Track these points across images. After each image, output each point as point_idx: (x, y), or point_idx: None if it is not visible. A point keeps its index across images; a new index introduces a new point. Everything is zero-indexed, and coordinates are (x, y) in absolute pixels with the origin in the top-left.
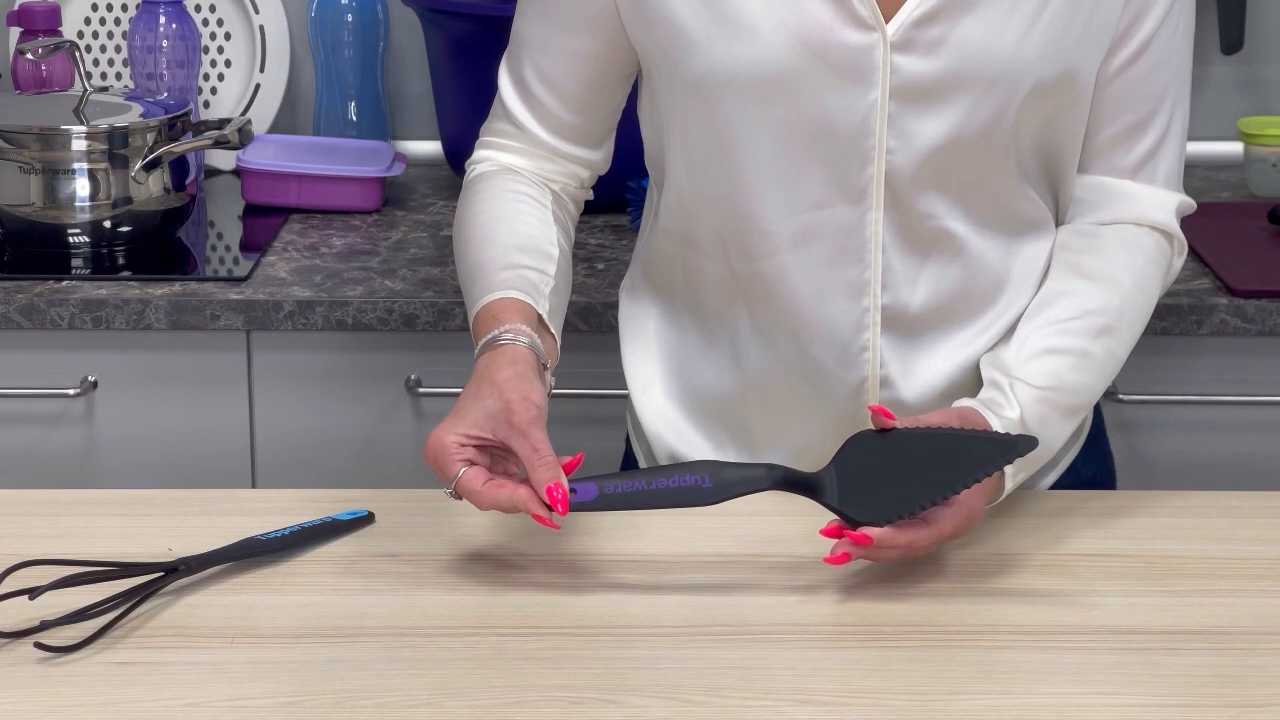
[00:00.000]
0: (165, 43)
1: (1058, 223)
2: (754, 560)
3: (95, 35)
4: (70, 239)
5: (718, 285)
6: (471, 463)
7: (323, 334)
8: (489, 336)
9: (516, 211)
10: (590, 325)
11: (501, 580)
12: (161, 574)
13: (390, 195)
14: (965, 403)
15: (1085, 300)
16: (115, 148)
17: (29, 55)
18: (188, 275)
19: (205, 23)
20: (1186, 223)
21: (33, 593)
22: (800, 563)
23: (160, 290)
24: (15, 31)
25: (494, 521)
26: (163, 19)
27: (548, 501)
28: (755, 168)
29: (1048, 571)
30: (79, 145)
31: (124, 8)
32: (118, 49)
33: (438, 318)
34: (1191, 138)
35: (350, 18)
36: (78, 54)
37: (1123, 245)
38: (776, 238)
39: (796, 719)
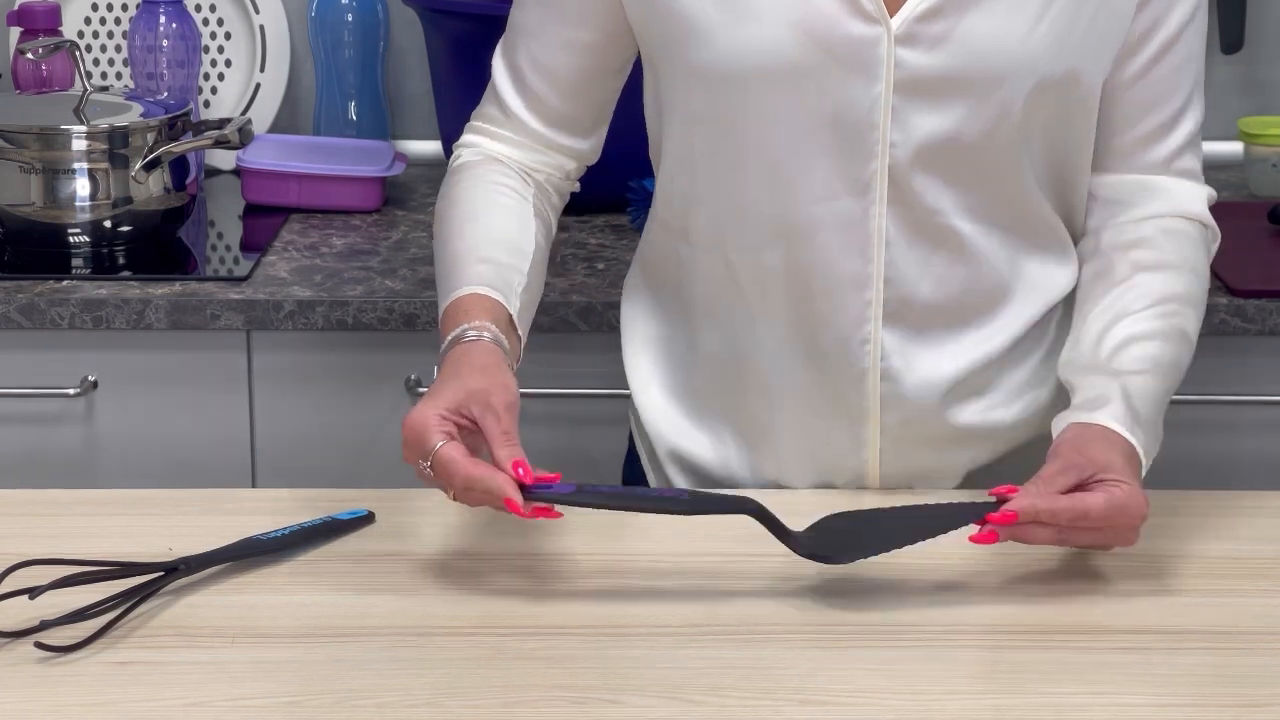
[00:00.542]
0: (165, 42)
1: (1075, 242)
2: (754, 560)
3: (95, 35)
4: (70, 239)
5: (712, 278)
6: (451, 437)
7: (323, 334)
8: (457, 331)
9: (496, 204)
10: (590, 325)
11: (501, 580)
12: (162, 574)
13: (390, 195)
14: (1065, 418)
15: (1153, 289)
16: (115, 148)
17: (29, 55)
18: (188, 275)
19: (205, 23)
20: None
21: (33, 593)
22: (800, 562)
23: (160, 290)
24: (15, 31)
25: (494, 522)
26: (163, 19)
27: (513, 476)
28: (759, 159)
29: (1047, 571)
30: (79, 145)
31: (124, 8)
32: (118, 49)
33: (438, 318)
34: None
35: (350, 17)
36: (78, 54)
37: (1169, 235)
38: (780, 229)
39: (796, 719)
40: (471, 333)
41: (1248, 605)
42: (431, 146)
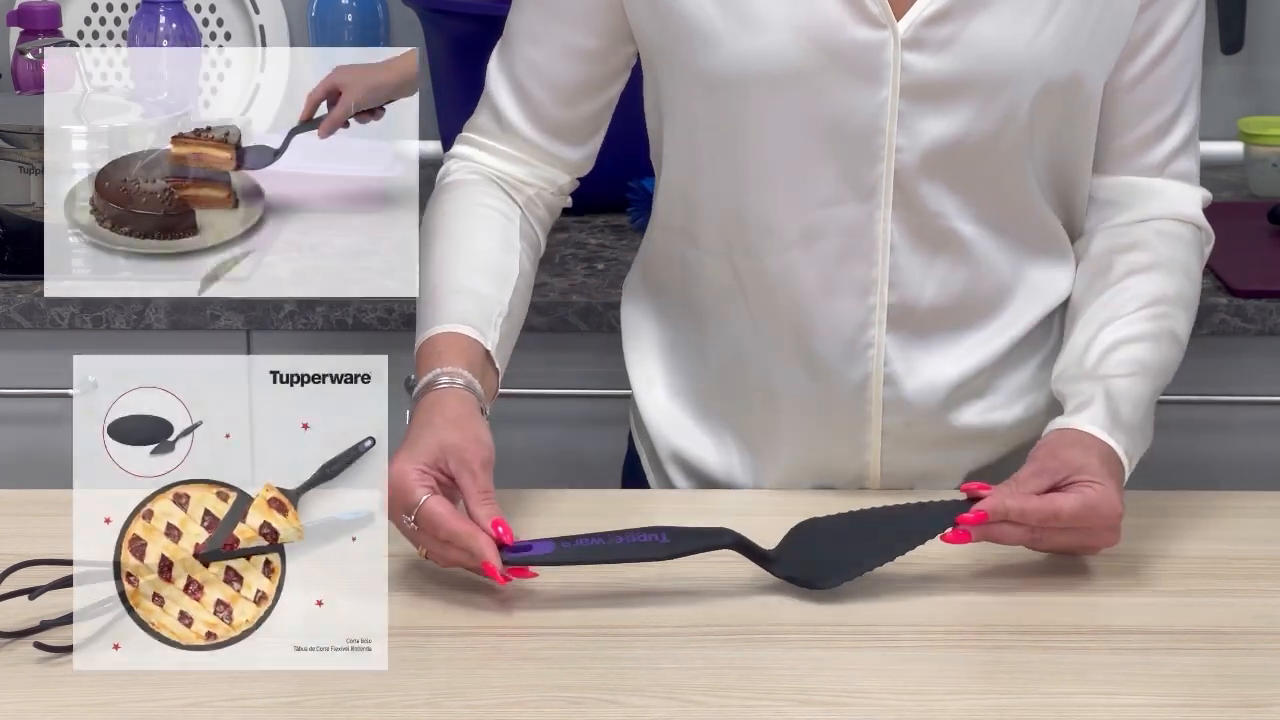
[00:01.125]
0: (165, 43)
1: (1073, 244)
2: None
3: (95, 35)
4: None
5: (718, 282)
6: (434, 490)
7: (323, 334)
8: (430, 376)
9: (481, 228)
10: (590, 325)
11: None
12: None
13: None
14: (1058, 424)
15: (1143, 291)
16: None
17: (29, 55)
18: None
19: (205, 23)
20: None
21: (33, 593)
22: None
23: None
24: (15, 31)
25: None
26: (163, 19)
27: (493, 535)
28: (764, 164)
29: (1047, 571)
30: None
31: (124, 8)
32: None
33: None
34: None
35: (350, 18)
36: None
37: (1163, 238)
38: (784, 234)
39: (796, 719)
40: (444, 379)
41: (1248, 605)
42: (431, 147)
